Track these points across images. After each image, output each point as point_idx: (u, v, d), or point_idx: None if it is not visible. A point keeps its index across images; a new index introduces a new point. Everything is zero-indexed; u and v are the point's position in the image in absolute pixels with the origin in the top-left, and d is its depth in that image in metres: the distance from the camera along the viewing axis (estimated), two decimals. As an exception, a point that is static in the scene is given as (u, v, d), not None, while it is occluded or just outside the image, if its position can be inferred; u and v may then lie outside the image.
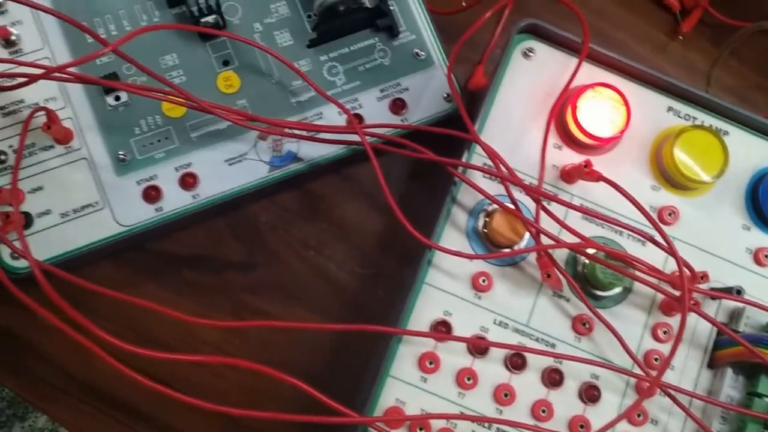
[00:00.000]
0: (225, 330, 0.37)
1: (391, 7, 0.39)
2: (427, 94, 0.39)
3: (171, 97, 0.35)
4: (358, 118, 0.38)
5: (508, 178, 0.32)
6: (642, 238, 0.33)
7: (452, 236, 0.33)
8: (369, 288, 0.39)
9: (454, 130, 0.34)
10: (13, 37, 0.35)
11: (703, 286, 0.33)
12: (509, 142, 0.34)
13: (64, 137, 0.35)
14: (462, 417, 0.30)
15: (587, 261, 0.32)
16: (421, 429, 0.30)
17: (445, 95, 0.39)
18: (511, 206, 0.32)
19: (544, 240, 0.31)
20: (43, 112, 0.33)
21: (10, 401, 0.93)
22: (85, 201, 0.35)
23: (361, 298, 0.39)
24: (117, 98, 0.36)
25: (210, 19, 0.35)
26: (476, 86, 0.41)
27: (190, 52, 0.37)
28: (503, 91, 0.34)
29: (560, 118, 0.34)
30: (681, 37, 0.46)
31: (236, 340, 0.37)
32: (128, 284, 0.37)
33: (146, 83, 0.36)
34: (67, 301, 0.28)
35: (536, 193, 0.32)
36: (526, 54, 0.34)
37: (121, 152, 0.35)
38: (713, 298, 0.33)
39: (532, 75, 0.34)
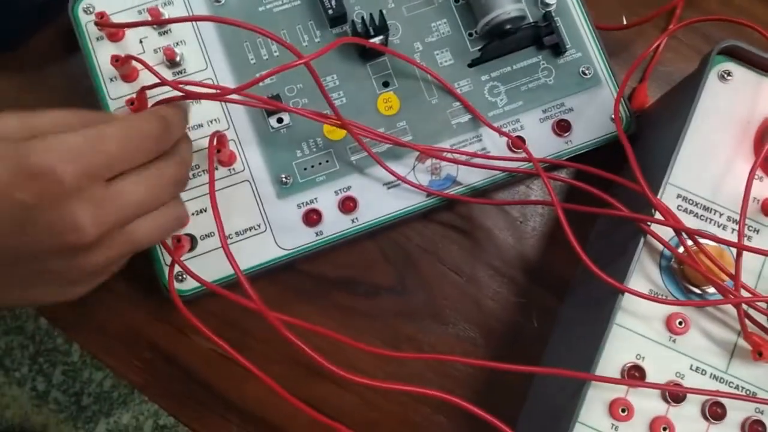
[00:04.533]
0: (378, 357, 0.36)
1: (557, 24, 0.37)
2: (593, 114, 0.37)
3: (332, 119, 0.34)
4: (520, 140, 0.36)
5: (693, 231, 0.29)
6: None
7: (642, 272, 0.30)
8: (522, 318, 0.37)
9: (623, 179, 0.32)
10: (177, 58, 0.35)
11: None
12: (707, 173, 0.31)
13: (228, 160, 0.34)
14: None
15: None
16: None
17: (612, 117, 0.37)
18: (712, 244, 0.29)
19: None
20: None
21: (96, 397, 0.95)
22: (247, 224, 0.34)
23: (515, 328, 0.37)
24: (280, 120, 0.35)
25: (377, 40, 0.34)
26: (640, 106, 0.39)
27: (350, 74, 0.36)
28: (698, 117, 0.31)
29: (761, 147, 0.31)
30: None
31: (389, 367, 0.36)
32: (276, 304, 0.36)
33: (307, 106, 0.36)
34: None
35: (739, 246, 0.29)
36: (723, 77, 0.32)
37: (283, 175, 0.35)
38: None
39: (729, 100, 0.32)
